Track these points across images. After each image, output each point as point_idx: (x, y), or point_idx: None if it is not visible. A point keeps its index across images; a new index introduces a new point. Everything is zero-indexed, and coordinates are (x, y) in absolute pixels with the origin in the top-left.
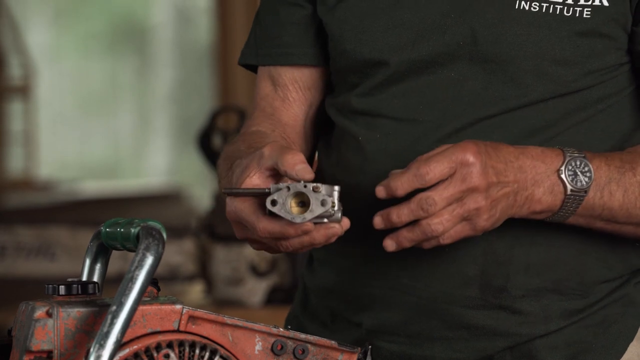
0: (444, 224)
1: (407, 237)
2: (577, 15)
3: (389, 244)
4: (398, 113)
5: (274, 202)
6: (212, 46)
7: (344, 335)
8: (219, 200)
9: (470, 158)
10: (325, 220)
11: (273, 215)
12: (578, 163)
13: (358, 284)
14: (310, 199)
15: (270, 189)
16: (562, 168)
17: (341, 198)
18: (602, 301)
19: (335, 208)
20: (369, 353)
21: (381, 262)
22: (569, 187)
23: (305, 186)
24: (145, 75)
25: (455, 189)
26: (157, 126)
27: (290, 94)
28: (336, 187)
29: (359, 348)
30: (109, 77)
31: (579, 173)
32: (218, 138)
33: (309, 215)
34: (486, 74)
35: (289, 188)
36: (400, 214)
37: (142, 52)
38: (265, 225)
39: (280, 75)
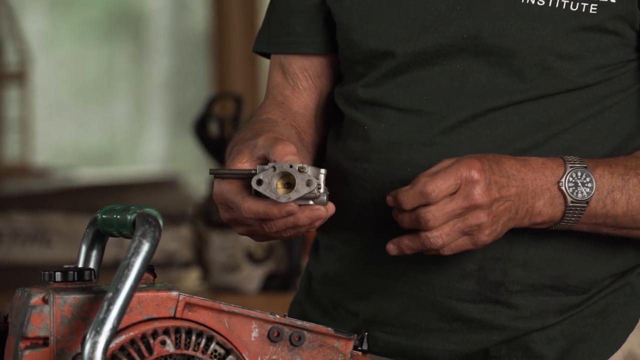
0: (443, 238)
1: (407, 245)
2: (583, 10)
3: (391, 249)
4: (403, 103)
5: (259, 182)
6: (208, 33)
7: (343, 324)
8: None
9: (475, 175)
10: (311, 202)
11: (259, 195)
12: (579, 174)
13: (357, 272)
14: (296, 179)
15: (256, 170)
16: (563, 180)
17: (328, 183)
18: (603, 292)
19: (322, 190)
20: (365, 340)
21: (381, 252)
22: (569, 199)
23: (291, 166)
24: (141, 62)
25: (457, 205)
26: (153, 113)
27: (300, 83)
28: (322, 170)
29: (355, 335)
30: (105, 64)
31: (579, 184)
32: (214, 125)
33: (294, 195)
34: (491, 67)
35: (274, 168)
36: (403, 218)
37: (138, 39)
38: (250, 205)
39: (290, 63)
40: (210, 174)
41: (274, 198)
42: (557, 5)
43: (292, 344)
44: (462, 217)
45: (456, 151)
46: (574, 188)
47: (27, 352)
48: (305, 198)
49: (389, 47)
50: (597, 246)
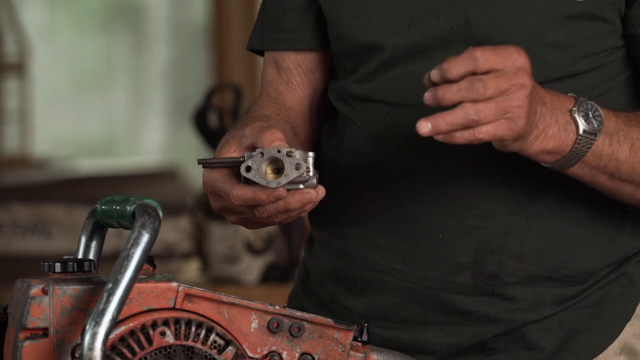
0: (486, 112)
1: (445, 118)
2: None
3: (423, 125)
4: (394, 98)
5: (248, 169)
6: (207, 24)
7: (340, 318)
8: None
9: (526, 63)
10: (301, 186)
11: (248, 182)
12: (589, 106)
13: (352, 268)
14: (285, 163)
15: (244, 157)
16: (575, 108)
17: (317, 166)
18: (600, 282)
19: (311, 174)
20: (365, 331)
21: (375, 247)
22: (581, 127)
23: (279, 151)
24: (140, 53)
25: (507, 80)
26: (153, 104)
27: (294, 78)
28: (310, 153)
29: (355, 326)
30: (104, 54)
31: (590, 115)
32: (214, 116)
33: (283, 180)
34: None
35: (262, 153)
36: (448, 90)
37: (137, 30)
38: (238, 192)
39: (284, 59)
40: (199, 163)
41: (264, 184)
42: None
43: (291, 334)
44: (507, 95)
45: (447, 144)
46: (585, 117)
47: (26, 343)
48: (295, 182)
49: (379, 40)
50: (592, 236)
